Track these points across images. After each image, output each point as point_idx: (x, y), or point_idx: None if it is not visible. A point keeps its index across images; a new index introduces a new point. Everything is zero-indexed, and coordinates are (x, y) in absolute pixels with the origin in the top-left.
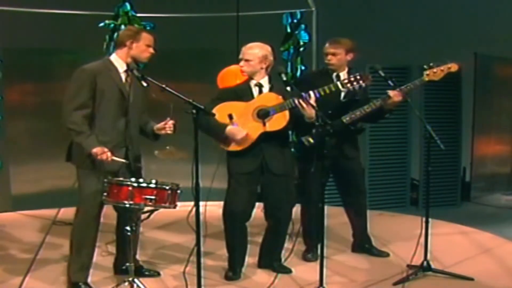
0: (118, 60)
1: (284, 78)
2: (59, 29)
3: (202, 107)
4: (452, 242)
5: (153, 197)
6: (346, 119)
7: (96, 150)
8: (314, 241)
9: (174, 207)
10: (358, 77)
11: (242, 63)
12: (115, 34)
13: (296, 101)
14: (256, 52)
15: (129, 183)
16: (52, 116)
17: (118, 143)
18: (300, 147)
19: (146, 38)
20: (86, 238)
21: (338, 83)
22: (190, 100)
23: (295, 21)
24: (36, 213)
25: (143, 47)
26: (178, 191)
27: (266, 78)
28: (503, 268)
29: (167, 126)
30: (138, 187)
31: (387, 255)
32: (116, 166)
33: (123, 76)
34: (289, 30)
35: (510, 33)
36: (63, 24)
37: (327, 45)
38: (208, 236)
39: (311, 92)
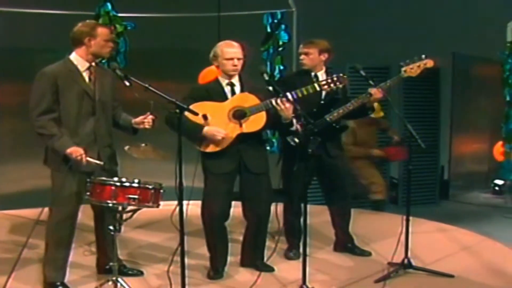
0: (78, 59)
1: (266, 78)
2: (38, 28)
3: (185, 106)
4: (432, 240)
5: (136, 196)
6: (329, 117)
7: (70, 150)
8: (296, 239)
9: (157, 207)
10: (335, 78)
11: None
12: None
13: (274, 102)
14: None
15: (112, 182)
16: None
17: (88, 143)
18: (285, 146)
19: (103, 33)
20: (62, 239)
21: (316, 84)
22: (174, 100)
23: (275, 21)
24: (19, 212)
25: (101, 42)
26: (161, 191)
27: (236, 77)
28: (482, 265)
29: (146, 120)
30: (121, 187)
31: (369, 254)
32: (90, 167)
33: (85, 75)
34: (269, 30)
35: (487, 33)
36: (42, 23)
37: (301, 45)
38: (190, 235)
39: (288, 94)
